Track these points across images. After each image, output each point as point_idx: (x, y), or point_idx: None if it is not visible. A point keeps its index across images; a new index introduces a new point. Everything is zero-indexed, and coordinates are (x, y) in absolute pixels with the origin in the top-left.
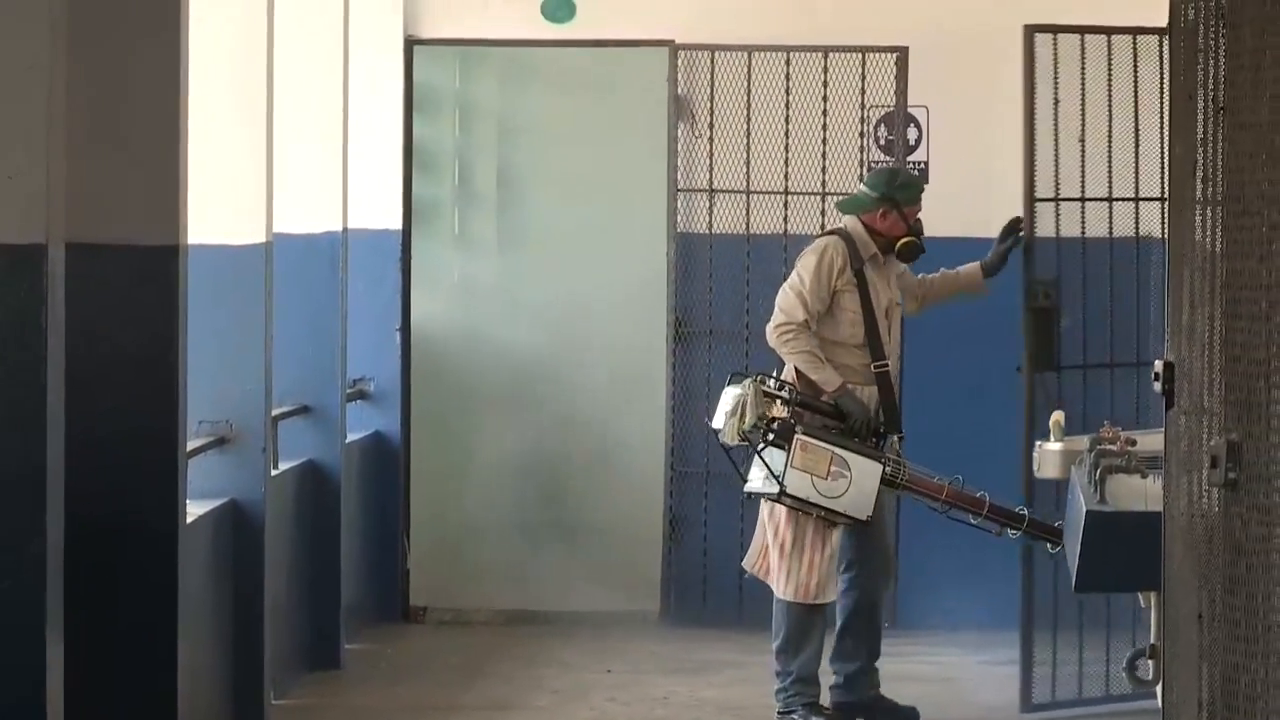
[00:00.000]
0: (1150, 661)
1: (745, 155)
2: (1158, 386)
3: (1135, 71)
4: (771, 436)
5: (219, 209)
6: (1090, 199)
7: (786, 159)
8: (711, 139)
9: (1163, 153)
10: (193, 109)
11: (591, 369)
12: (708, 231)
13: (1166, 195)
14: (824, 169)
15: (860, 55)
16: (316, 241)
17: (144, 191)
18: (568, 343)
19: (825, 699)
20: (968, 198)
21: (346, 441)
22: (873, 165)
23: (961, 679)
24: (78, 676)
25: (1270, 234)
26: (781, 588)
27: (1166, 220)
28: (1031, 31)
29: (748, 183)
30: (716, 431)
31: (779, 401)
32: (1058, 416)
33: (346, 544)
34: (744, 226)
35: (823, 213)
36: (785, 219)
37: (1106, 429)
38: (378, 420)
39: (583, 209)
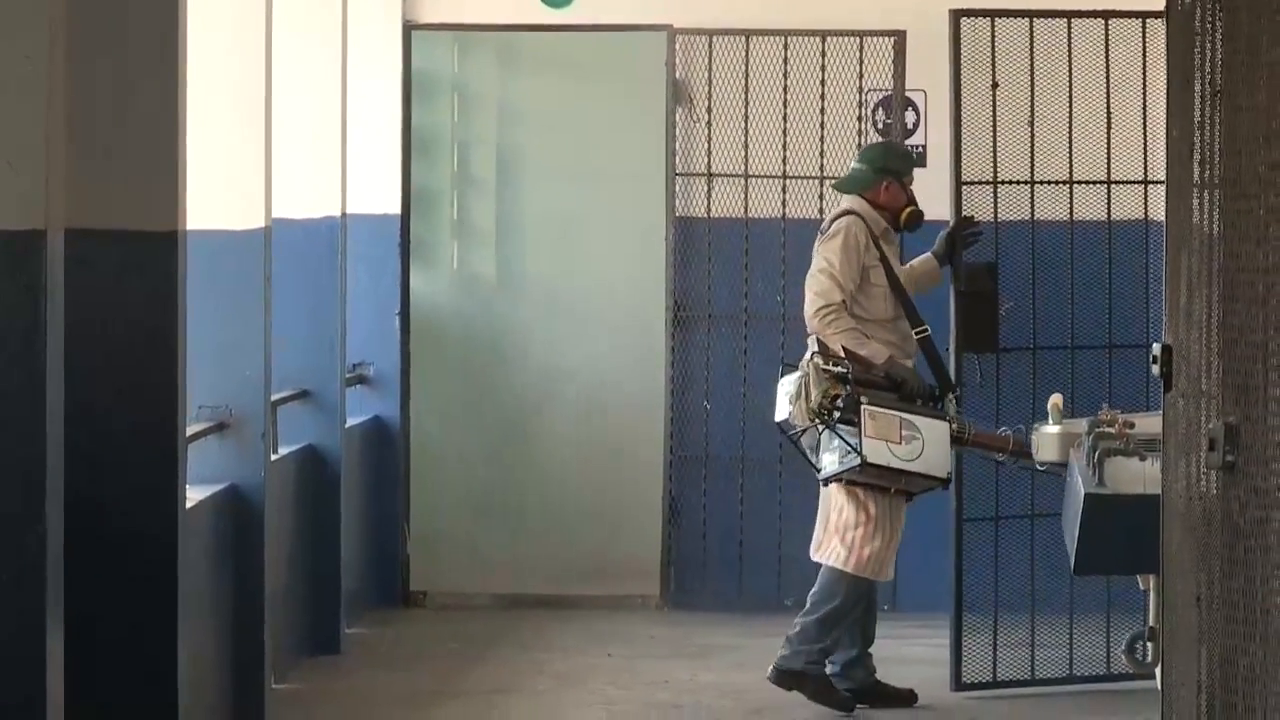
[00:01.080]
0: (1149, 644)
1: (743, 139)
2: (1156, 369)
3: (1070, 54)
4: (838, 414)
5: (218, 194)
6: (1017, 182)
7: (785, 143)
8: (710, 123)
9: (1108, 135)
10: (191, 95)
11: (591, 353)
12: (706, 215)
13: (1163, 179)
14: (822, 153)
15: (858, 39)
16: (316, 227)
17: (143, 177)
18: (567, 327)
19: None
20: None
21: (346, 426)
22: None
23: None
24: (78, 662)
25: (1268, 217)
26: (844, 559)
27: (1166, 204)
28: (957, 15)
29: (746, 166)
30: (781, 424)
31: (837, 379)
32: (1056, 399)
33: (346, 529)
34: (742, 210)
35: (821, 196)
36: (783, 203)
37: (1105, 411)
38: (377, 405)
39: (581, 193)
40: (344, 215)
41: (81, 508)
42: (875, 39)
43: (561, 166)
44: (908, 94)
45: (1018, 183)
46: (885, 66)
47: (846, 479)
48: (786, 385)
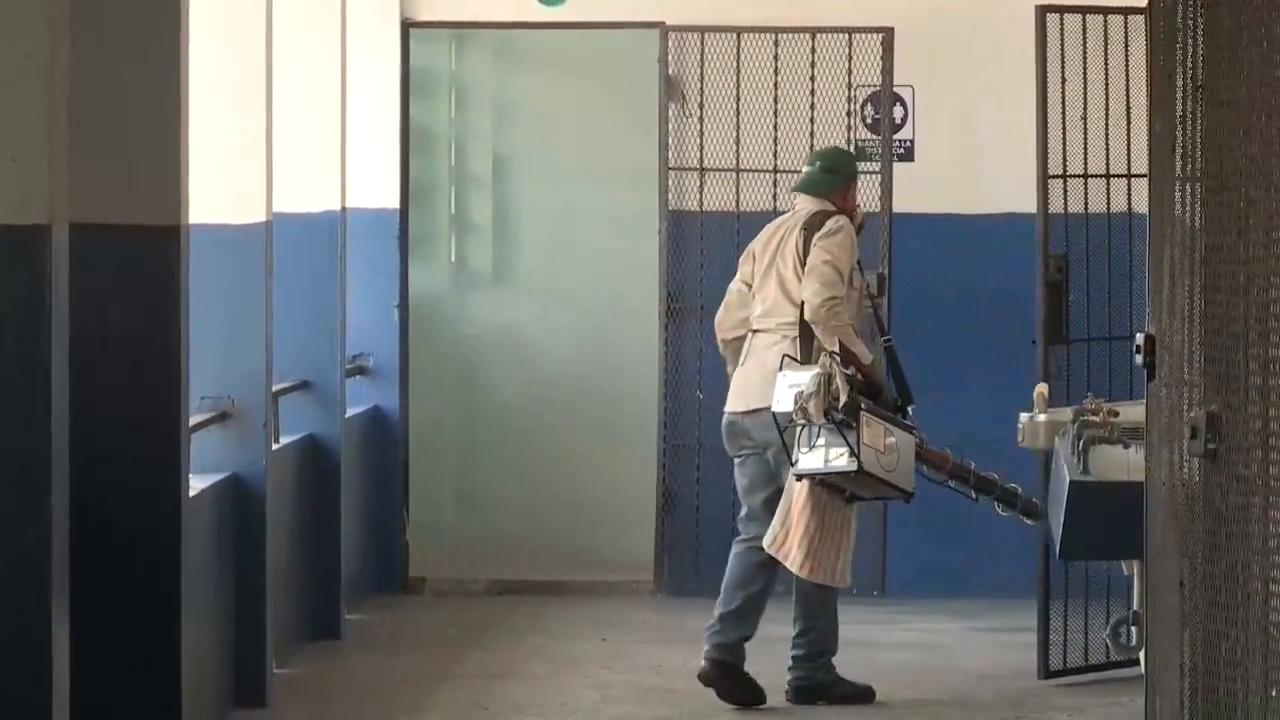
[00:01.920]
0: (1133, 628)
1: (735, 134)
2: (1139, 359)
3: (1126, 51)
4: (839, 415)
5: (220, 189)
6: (1093, 175)
7: (775, 138)
8: (702, 119)
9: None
10: (193, 91)
11: (585, 344)
12: (698, 209)
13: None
14: (812, 147)
15: (847, 36)
16: (316, 221)
17: (146, 172)
18: (562, 318)
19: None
20: (952, 175)
21: (346, 416)
22: (860, 144)
23: (951, 646)
24: (82, 649)
25: (1248, 209)
26: (810, 570)
27: (1149, 196)
28: (1043, 11)
29: (737, 161)
30: (777, 416)
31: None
32: (1041, 389)
33: (346, 516)
34: (734, 204)
35: None
36: (774, 196)
37: (1090, 401)
38: (377, 395)
39: (576, 188)
40: (344, 210)
41: (85, 498)
42: (864, 36)
43: (557, 161)
44: (896, 89)
45: (1098, 176)
46: (874, 63)
47: (820, 479)
48: (792, 378)
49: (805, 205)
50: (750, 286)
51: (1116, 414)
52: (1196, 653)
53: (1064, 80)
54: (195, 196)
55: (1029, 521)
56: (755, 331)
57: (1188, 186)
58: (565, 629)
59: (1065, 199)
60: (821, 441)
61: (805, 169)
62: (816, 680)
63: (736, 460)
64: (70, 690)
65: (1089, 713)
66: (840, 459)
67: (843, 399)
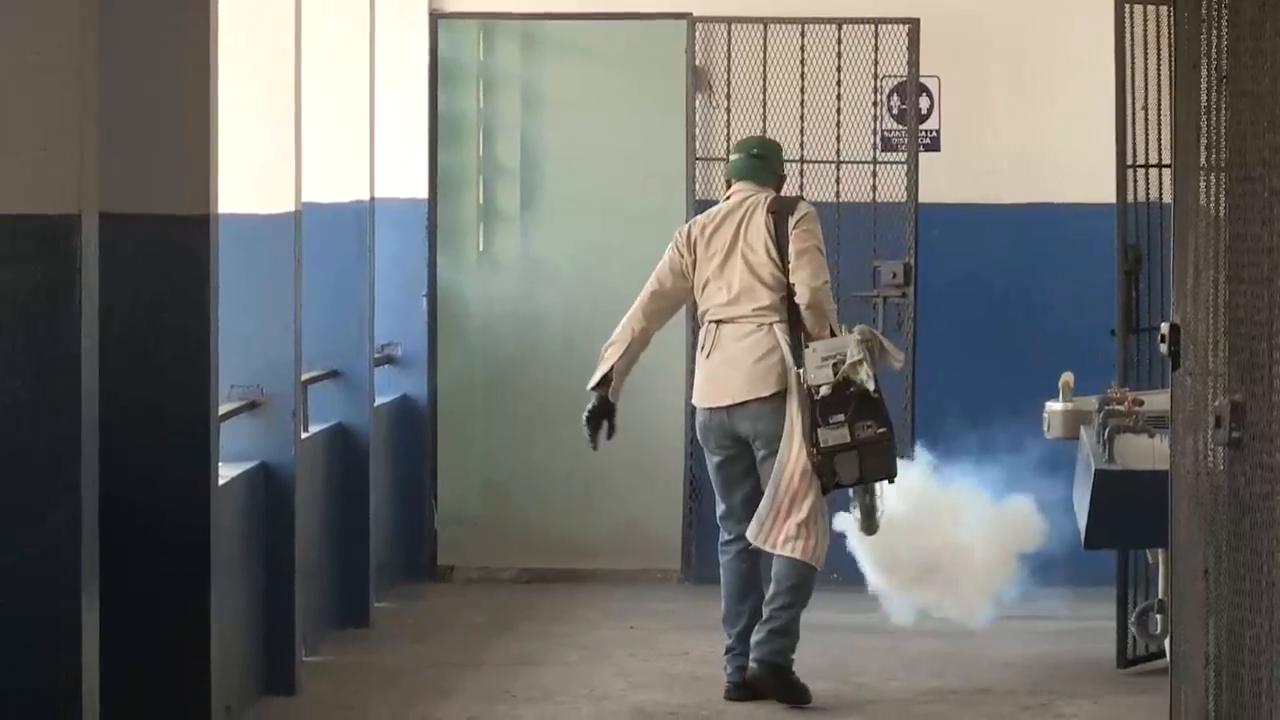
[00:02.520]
0: (1159, 615)
1: (762, 124)
2: (1164, 348)
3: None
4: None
5: (249, 179)
6: (1166, 165)
7: (802, 128)
8: (729, 109)
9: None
10: (222, 81)
11: (613, 332)
12: (725, 199)
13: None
14: (838, 137)
15: (873, 27)
16: (344, 210)
17: (175, 162)
18: (589, 307)
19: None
20: (976, 166)
21: (375, 405)
22: (885, 134)
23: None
24: (113, 635)
25: (1271, 199)
26: (807, 552)
27: (1173, 187)
28: (1123, 2)
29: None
30: (812, 389)
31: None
32: (1067, 378)
33: (375, 505)
34: None
35: (837, 180)
36: (800, 186)
37: (1114, 389)
38: (405, 384)
39: (603, 178)
40: (372, 199)
41: (115, 487)
42: (890, 27)
43: (584, 151)
44: (921, 80)
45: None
46: (900, 53)
47: (821, 461)
48: (824, 350)
49: (747, 192)
50: (683, 278)
51: (1141, 403)
52: (1221, 640)
53: (1144, 71)
54: (225, 186)
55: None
56: (720, 322)
57: (1212, 177)
58: (592, 617)
59: (1135, 189)
60: (840, 417)
61: (735, 157)
62: (781, 662)
63: (716, 458)
64: (101, 675)
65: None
66: (869, 430)
67: (873, 372)
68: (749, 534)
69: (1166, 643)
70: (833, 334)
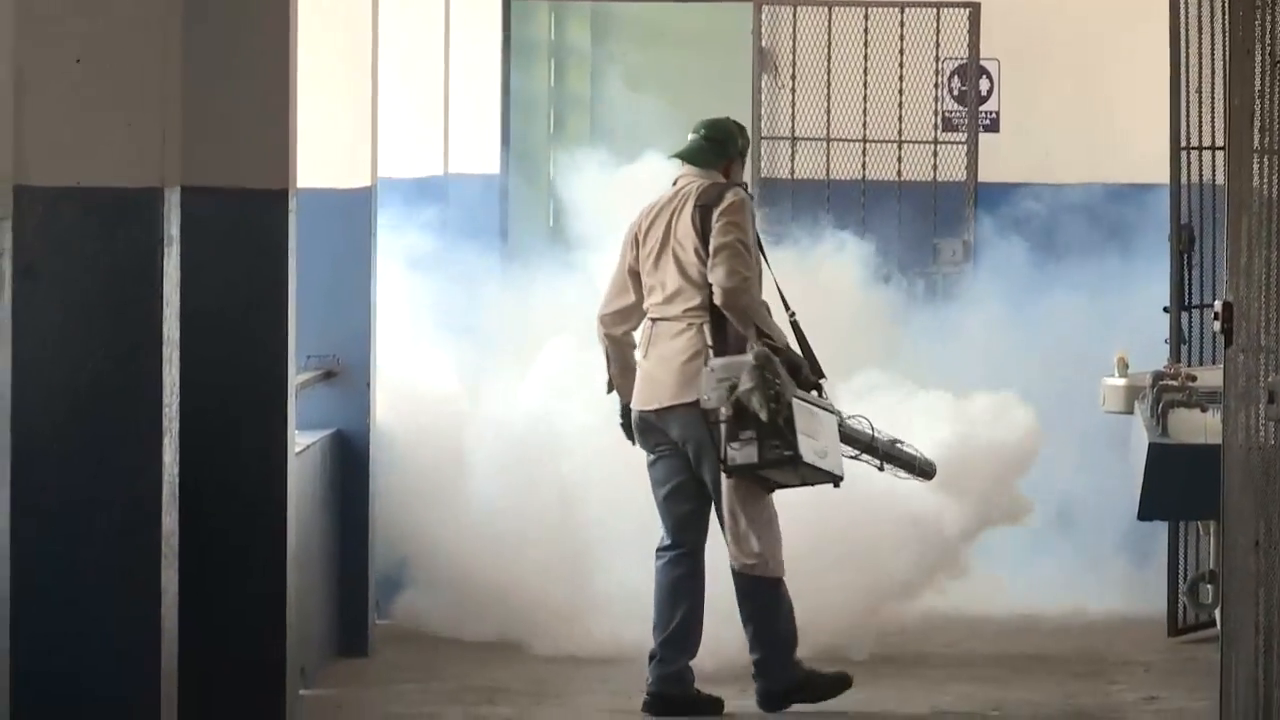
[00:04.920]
0: (1209, 586)
1: (826, 105)
2: (1217, 326)
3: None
4: (774, 407)
5: (327, 154)
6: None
7: (865, 109)
8: (794, 89)
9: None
10: (302, 58)
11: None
12: (790, 177)
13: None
14: (900, 118)
15: (935, 10)
16: (418, 185)
17: (255, 137)
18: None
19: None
20: (1035, 145)
21: None
22: (946, 115)
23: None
24: (191, 595)
25: None
26: (752, 564)
27: (1226, 168)
28: None
29: (828, 130)
30: (709, 410)
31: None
32: (1122, 353)
33: None
34: (824, 172)
35: (899, 159)
36: (863, 165)
37: (1169, 365)
38: None
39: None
40: (446, 174)
41: (196, 453)
42: (951, 10)
43: (652, 129)
44: (982, 63)
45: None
46: (960, 36)
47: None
48: (720, 371)
49: (687, 180)
50: (637, 274)
51: (1194, 378)
52: (1272, 611)
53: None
54: (303, 161)
55: (925, 480)
56: (655, 320)
57: (1265, 159)
58: None
59: (1189, 171)
60: (750, 434)
61: (690, 137)
62: (787, 684)
63: (649, 458)
64: (181, 632)
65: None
66: (776, 451)
67: (782, 391)
68: (730, 563)
69: (1217, 613)
70: (763, 335)
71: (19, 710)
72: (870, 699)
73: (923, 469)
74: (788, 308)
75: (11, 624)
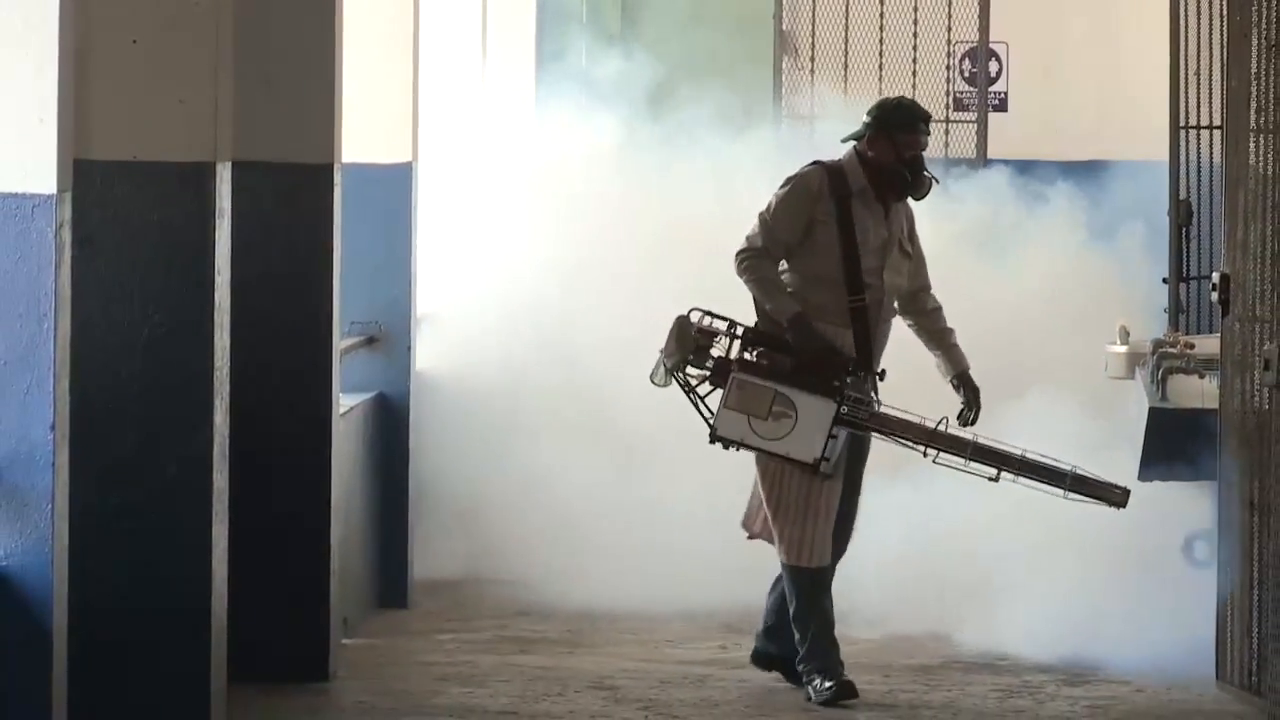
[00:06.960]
0: (1204, 543)
1: (843, 85)
2: (1215, 296)
3: None
4: (704, 375)
5: (370, 131)
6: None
7: (880, 89)
8: (813, 70)
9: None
10: (347, 40)
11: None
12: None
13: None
14: (914, 98)
15: None
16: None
17: (302, 114)
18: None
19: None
20: (1041, 124)
21: None
22: (957, 95)
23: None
24: (242, 550)
25: None
26: (780, 547)
27: (1224, 147)
28: None
29: (845, 110)
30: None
31: (709, 335)
32: (1124, 322)
33: None
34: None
35: None
36: None
37: (1168, 333)
38: None
39: (694, 133)
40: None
41: (246, 413)
42: None
43: (679, 107)
44: (992, 46)
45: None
46: (971, 21)
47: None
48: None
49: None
50: None
51: (1193, 346)
52: (1265, 568)
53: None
54: (348, 137)
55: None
56: None
57: (1261, 138)
58: None
59: (1187, 149)
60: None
61: None
62: (810, 676)
63: None
64: (231, 582)
65: None
66: (710, 423)
67: (674, 360)
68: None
69: (1214, 569)
70: (757, 307)
71: (76, 653)
72: None
73: (1104, 494)
74: (854, 293)
75: (70, 575)
